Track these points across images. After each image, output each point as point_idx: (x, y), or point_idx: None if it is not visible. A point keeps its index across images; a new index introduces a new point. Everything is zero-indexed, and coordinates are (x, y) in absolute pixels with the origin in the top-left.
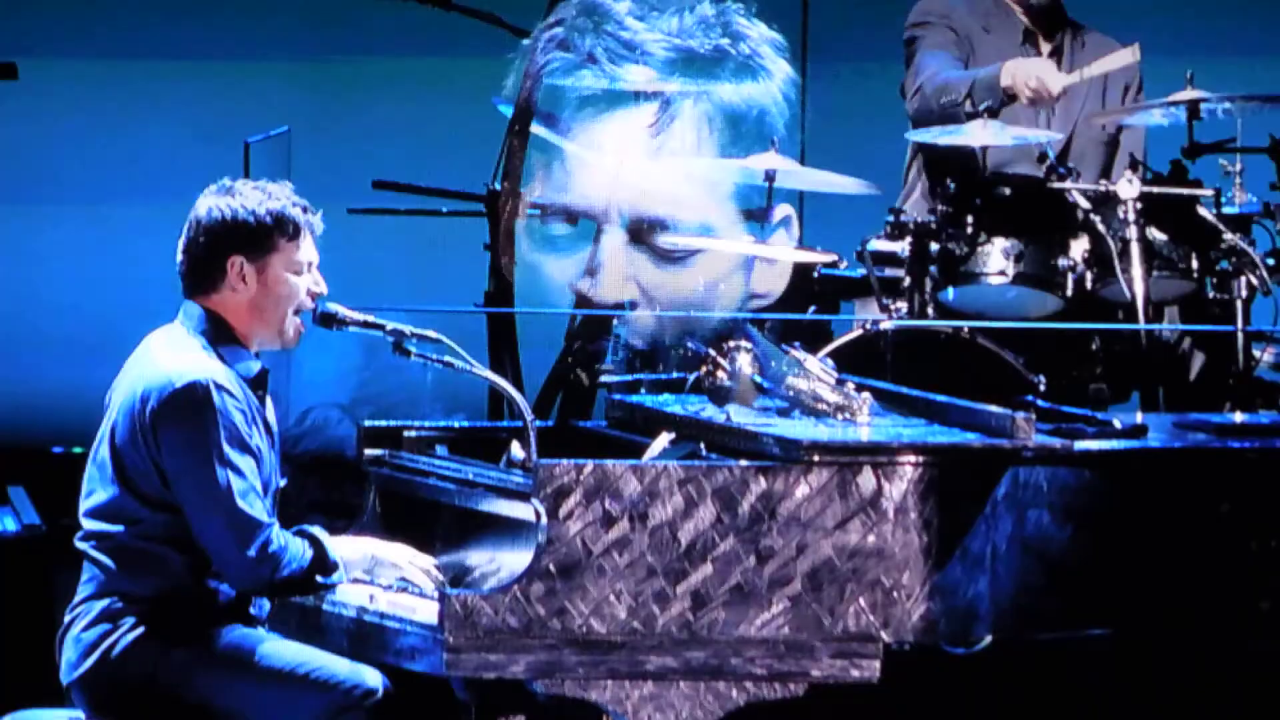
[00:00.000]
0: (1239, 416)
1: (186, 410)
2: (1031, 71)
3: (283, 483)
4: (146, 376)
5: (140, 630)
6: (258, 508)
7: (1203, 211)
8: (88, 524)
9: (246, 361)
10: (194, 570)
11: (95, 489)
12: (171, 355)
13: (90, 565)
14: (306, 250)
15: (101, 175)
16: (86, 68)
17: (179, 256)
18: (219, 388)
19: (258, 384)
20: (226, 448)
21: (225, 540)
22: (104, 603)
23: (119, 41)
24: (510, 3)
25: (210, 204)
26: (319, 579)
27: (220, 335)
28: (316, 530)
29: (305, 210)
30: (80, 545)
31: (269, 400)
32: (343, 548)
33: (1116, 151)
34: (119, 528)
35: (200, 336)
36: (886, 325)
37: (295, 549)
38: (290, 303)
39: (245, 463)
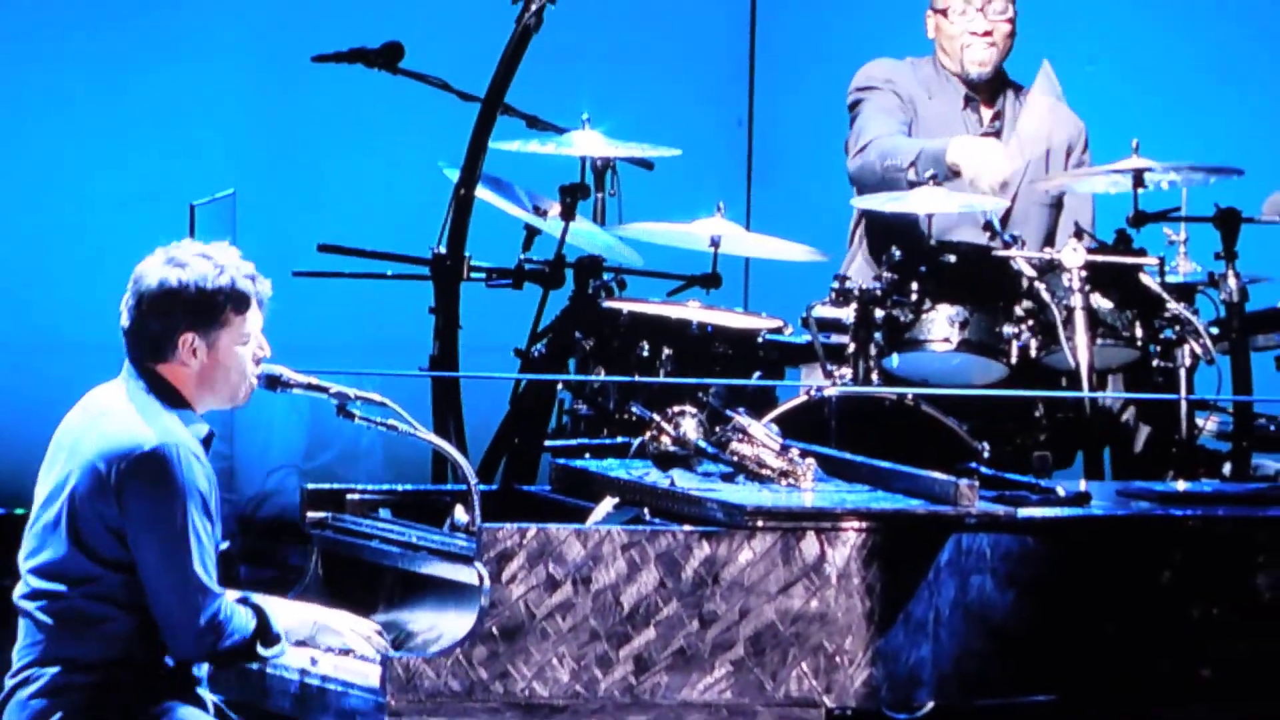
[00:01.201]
0: (1182, 485)
1: (156, 474)
2: (977, 160)
3: (225, 545)
4: (109, 437)
5: (86, 707)
6: (213, 576)
7: (1147, 280)
8: (33, 581)
9: (195, 424)
10: (138, 635)
11: (43, 546)
12: (137, 417)
13: (31, 628)
14: (253, 320)
15: (43, 232)
16: (29, 127)
17: (125, 320)
18: (189, 453)
19: (204, 445)
20: (193, 514)
21: (177, 606)
22: (49, 672)
23: (62, 102)
24: (458, 67)
25: (161, 274)
26: (260, 649)
27: (170, 399)
28: (260, 599)
29: (254, 279)
30: (21, 603)
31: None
32: (285, 614)
33: (1060, 215)
34: (64, 586)
35: (154, 398)
36: (831, 391)
37: (240, 619)
38: (238, 374)
39: (206, 529)
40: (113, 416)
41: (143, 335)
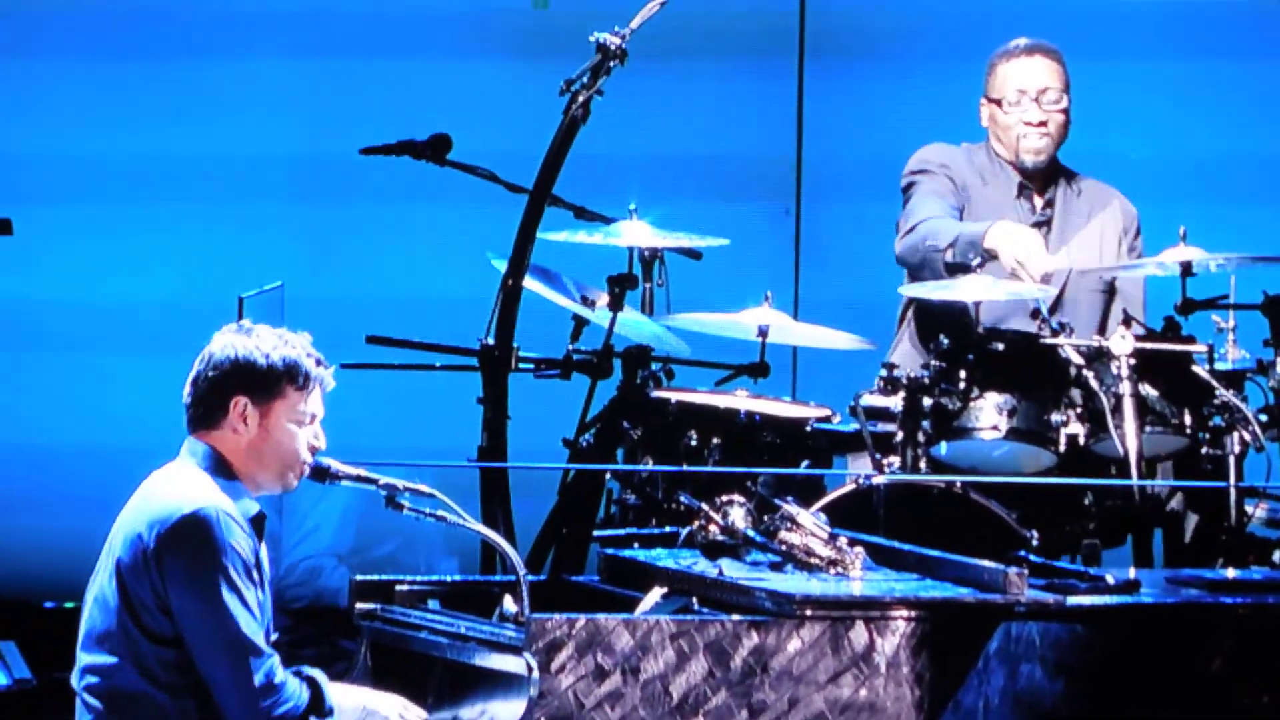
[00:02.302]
0: (1231, 572)
1: (193, 539)
2: (1017, 250)
3: (274, 636)
4: (152, 507)
5: None
6: (260, 638)
7: (1196, 368)
8: (85, 657)
9: (245, 502)
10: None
11: (95, 623)
12: (178, 486)
13: (83, 711)
14: (313, 403)
15: (95, 328)
16: (79, 221)
17: (186, 388)
18: (227, 517)
19: (255, 526)
20: (233, 576)
21: (228, 668)
22: None
23: (112, 195)
24: (506, 159)
25: (226, 341)
26: None
27: (223, 472)
28: (315, 672)
29: (319, 363)
30: (76, 684)
31: (264, 546)
32: (336, 693)
33: (1113, 300)
34: (116, 660)
35: (205, 471)
36: (879, 480)
37: (294, 687)
38: (290, 452)
39: (249, 593)
40: (157, 489)
41: (197, 400)
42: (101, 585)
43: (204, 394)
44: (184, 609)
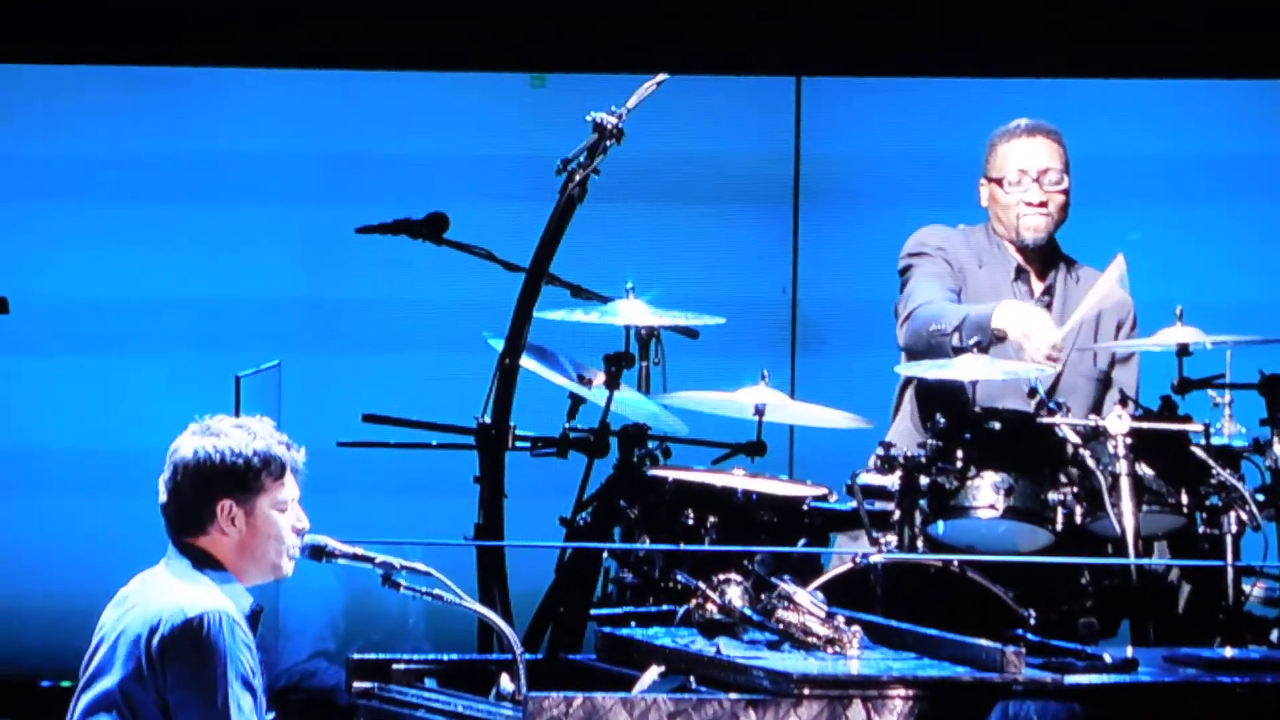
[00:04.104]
0: (1229, 651)
1: (197, 642)
2: (1025, 324)
3: (270, 716)
4: (156, 606)
5: None
6: None
7: (1193, 447)
8: None
9: (242, 597)
10: None
11: None
12: (182, 587)
13: None
14: (290, 487)
15: (92, 412)
16: (76, 302)
17: (163, 497)
18: (232, 622)
19: (252, 622)
20: (233, 683)
21: None
22: None
23: (109, 276)
24: (502, 238)
25: (195, 445)
26: None
27: (216, 570)
28: None
29: (289, 447)
30: None
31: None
32: None
33: (1108, 389)
34: None
35: (200, 572)
36: (876, 559)
37: None
38: (278, 542)
39: (246, 700)
40: (160, 588)
41: (181, 508)
42: (98, 686)
43: (186, 501)
44: (182, 713)
